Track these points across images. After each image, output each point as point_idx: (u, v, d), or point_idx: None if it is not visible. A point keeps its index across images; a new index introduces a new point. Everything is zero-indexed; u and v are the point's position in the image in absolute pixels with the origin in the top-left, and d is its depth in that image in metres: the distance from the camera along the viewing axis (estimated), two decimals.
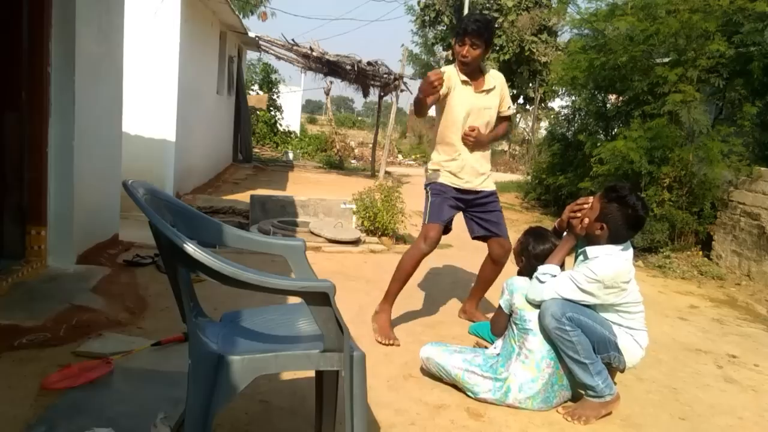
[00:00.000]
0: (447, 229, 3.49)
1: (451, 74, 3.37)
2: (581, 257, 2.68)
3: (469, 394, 2.65)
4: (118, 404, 2.26)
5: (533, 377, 2.58)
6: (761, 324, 4.46)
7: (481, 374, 2.63)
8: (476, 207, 3.52)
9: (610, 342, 2.56)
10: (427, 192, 3.51)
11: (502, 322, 2.81)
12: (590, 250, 2.61)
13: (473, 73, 3.41)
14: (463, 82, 3.39)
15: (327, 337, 1.64)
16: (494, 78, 3.50)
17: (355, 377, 1.68)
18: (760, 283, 5.47)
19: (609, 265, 2.52)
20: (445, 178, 3.44)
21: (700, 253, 6.29)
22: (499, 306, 2.80)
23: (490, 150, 3.62)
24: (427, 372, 2.83)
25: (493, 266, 3.63)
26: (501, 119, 3.61)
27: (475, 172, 3.45)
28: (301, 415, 2.32)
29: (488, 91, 3.45)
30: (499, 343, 2.81)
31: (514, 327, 2.70)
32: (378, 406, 2.47)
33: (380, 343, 3.22)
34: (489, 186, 3.53)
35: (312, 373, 2.18)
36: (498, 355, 2.73)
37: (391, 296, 3.43)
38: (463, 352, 2.77)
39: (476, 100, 3.41)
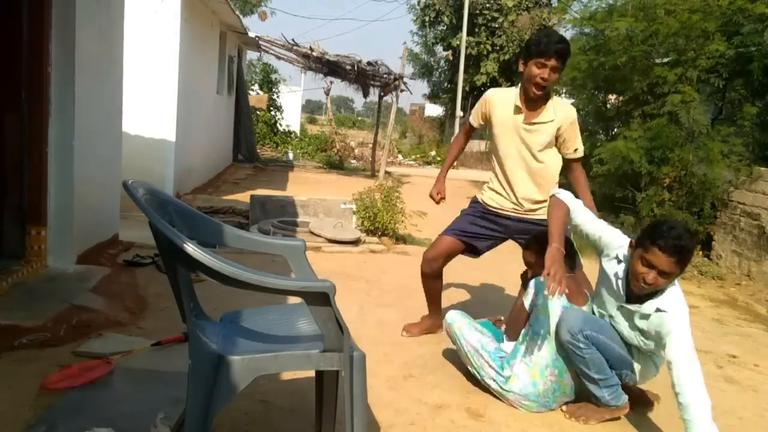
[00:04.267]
0: (477, 252, 3.25)
1: (500, 100, 3.03)
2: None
3: (473, 372, 2.69)
4: (118, 404, 2.26)
5: (534, 381, 2.57)
6: (761, 324, 4.46)
7: (488, 360, 2.65)
8: (517, 233, 3.14)
9: (626, 362, 2.54)
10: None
11: (519, 323, 2.72)
12: (662, 304, 2.40)
13: (536, 99, 2.94)
14: (516, 109, 2.98)
15: (327, 337, 1.64)
16: (558, 110, 2.94)
17: (355, 377, 1.68)
18: (760, 283, 5.47)
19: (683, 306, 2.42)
20: (484, 196, 3.24)
21: (700, 253, 6.29)
22: (522, 303, 2.73)
23: (546, 170, 3.04)
24: (445, 332, 2.90)
25: None
26: (569, 161, 3.09)
27: (513, 196, 3.10)
28: (301, 415, 2.32)
29: (542, 123, 2.95)
30: (507, 346, 2.76)
31: (528, 328, 2.67)
32: (378, 406, 2.47)
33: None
34: (536, 214, 3.07)
35: (312, 373, 2.18)
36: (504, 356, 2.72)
37: (430, 308, 3.43)
38: (482, 332, 2.79)
39: (521, 133, 2.98)
